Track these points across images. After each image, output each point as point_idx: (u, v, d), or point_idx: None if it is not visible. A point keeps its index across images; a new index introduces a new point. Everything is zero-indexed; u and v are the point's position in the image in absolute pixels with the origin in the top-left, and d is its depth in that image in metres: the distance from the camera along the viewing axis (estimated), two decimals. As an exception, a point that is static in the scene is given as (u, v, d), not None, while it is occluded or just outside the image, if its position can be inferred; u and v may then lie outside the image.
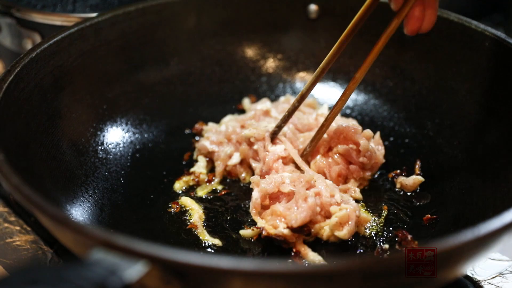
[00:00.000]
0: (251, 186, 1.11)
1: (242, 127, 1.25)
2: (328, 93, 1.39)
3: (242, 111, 1.36)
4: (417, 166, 1.21)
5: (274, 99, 1.39)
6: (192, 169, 1.21)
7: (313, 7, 1.37)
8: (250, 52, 1.41)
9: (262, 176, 1.14)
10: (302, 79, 1.41)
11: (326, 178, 1.14)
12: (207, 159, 1.23)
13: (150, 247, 0.73)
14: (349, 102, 1.37)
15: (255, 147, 1.18)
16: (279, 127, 1.18)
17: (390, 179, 1.20)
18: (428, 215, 1.10)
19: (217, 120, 1.33)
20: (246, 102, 1.37)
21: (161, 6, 1.33)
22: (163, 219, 1.12)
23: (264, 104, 1.30)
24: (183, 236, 1.08)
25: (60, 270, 0.69)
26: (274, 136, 1.18)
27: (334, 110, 1.13)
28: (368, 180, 1.19)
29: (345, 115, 1.36)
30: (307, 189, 1.07)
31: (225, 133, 1.24)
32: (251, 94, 1.39)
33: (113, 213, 1.13)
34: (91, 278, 0.68)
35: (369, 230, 1.08)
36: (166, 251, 0.73)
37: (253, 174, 1.19)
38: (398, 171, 1.20)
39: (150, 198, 1.16)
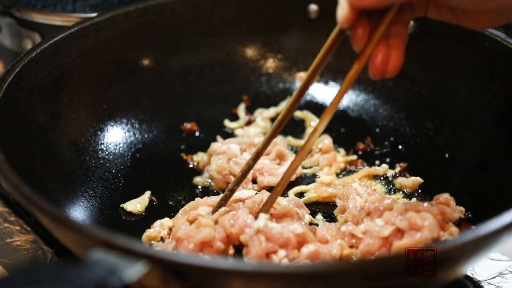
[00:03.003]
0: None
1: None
2: (328, 93, 1.39)
3: (237, 117, 1.36)
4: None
5: (274, 99, 1.39)
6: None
7: (313, 7, 1.37)
8: (250, 52, 1.41)
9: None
10: (302, 79, 1.41)
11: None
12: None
13: (150, 247, 0.73)
14: (349, 103, 1.37)
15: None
16: (231, 191, 1.06)
17: (390, 179, 1.20)
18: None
19: (217, 120, 1.34)
20: (241, 109, 1.37)
21: (161, 6, 1.33)
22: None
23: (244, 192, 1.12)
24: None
25: (60, 270, 0.69)
26: (225, 201, 1.07)
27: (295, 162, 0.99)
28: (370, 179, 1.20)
29: (345, 115, 1.36)
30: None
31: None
32: (250, 95, 1.39)
33: (113, 213, 1.13)
34: (91, 278, 0.68)
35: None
36: (166, 251, 0.73)
37: None
38: (398, 171, 1.20)
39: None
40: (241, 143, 1.23)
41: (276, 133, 1.01)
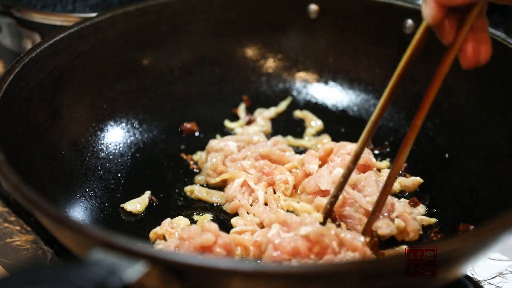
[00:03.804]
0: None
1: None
2: (328, 93, 1.39)
3: (237, 117, 1.36)
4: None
5: (274, 99, 1.39)
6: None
7: (313, 7, 1.37)
8: (250, 52, 1.41)
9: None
10: (302, 79, 1.41)
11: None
12: None
13: (150, 247, 0.73)
14: (349, 102, 1.37)
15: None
16: (335, 197, 1.04)
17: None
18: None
19: (217, 120, 1.34)
20: (241, 109, 1.37)
21: (161, 6, 1.33)
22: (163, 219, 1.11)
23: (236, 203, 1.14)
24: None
25: (60, 270, 0.69)
26: (330, 209, 1.06)
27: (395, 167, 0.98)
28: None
29: (345, 115, 1.36)
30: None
31: None
32: (250, 95, 1.39)
33: (113, 213, 1.13)
34: (91, 278, 0.68)
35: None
36: (166, 251, 0.73)
37: None
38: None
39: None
40: (239, 141, 1.23)
41: (372, 133, 0.99)
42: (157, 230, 1.07)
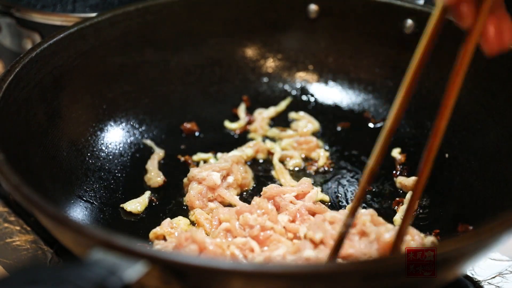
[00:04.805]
0: None
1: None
2: (328, 93, 1.39)
3: (237, 117, 1.36)
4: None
5: (274, 99, 1.39)
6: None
7: (313, 7, 1.37)
8: (250, 52, 1.41)
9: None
10: (302, 79, 1.41)
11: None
12: None
13: (150, 247, 0.73)
14: (349, 102, 1.37)
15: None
16: (347, 226, 0.89)
17: (390, 179, 1.20)
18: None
19: (217, 120, 1.34)
20: (241, 109, 1.37)
21: (161, 6, 1.33)
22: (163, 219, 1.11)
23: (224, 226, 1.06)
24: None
25: (60, 270, 0.69)
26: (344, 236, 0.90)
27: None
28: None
29: (346, 115, 1.36)
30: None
31: None
32: (250, 95, 1.39)
33: (113, 213, 1.13)
34: (91, 278, 0.68)
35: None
36: (166, 251, 0.73)
37: None
38: (398, 171, 1.20)
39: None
40: (222, 169, 1.16)
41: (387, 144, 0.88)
42: (157, 230, 1.07)
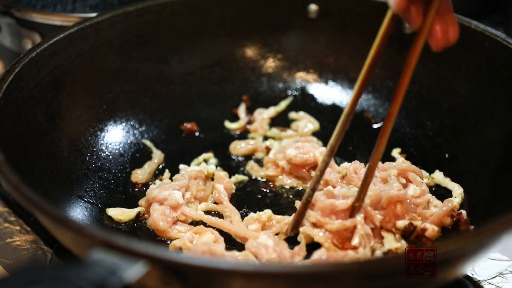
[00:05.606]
0: None
1: None
2: (328, 93, 1.39)
3: (237, 118, 1.36)
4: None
5: (274, 99, 1.39)
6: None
7: (313, 7, 1.37)
8: (250, 52, 1.41)
9: None
10: (302, 79, 1.41)
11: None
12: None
13: (150, 247, 0.73)
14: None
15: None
16: (313, 190, 1.03)
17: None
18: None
19: (217, 120, 1.34)
20: (241, 109, 1.37)
21: (161, 6, 1.33)
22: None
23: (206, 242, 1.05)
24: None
25: (60, 270, 0.69)
26: (309, 200, 1.03)
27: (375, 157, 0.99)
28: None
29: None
30: None
31: None
32: (250, 95, 1.39)
33: (113, 213, 1.13)
34: (91, 278, 0.68)
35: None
36: (166, 251, 0.73)
37: None
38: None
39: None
40: (181, 186, 1.12)
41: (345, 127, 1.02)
42: (176, 242, 1.04)
